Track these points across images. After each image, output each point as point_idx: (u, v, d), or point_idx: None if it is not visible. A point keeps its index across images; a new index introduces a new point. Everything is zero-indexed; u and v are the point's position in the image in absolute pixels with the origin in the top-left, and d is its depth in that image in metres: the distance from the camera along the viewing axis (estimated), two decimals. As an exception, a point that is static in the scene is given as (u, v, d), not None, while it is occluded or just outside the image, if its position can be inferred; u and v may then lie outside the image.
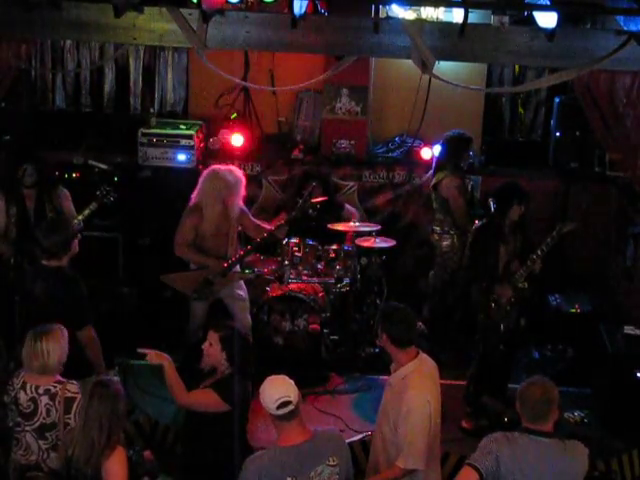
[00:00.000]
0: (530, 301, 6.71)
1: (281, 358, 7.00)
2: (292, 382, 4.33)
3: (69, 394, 4.81)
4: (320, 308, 7.22)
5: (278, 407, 4.19)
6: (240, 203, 6.85)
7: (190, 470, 5.18)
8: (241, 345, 5.09)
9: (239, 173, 6.84)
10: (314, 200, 7.14)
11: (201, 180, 6.81)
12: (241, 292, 7.02)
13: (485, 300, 6.57)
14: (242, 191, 6.82)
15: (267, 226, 6.97)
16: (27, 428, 4.84)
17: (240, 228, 7.01)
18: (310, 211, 7.04)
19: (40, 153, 7.20)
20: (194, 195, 6.81)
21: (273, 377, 4.34)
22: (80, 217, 6.69)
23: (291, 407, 4.21)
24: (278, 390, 4.23)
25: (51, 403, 4.79)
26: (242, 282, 7.09)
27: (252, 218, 7.04)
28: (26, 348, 4.87)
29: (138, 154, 8.47)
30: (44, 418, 4.80)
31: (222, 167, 6.90)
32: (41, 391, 4.81)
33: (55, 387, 4.82)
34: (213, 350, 5.08)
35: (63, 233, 5.76)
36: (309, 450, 4.25)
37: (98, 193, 6.85)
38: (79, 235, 5.99)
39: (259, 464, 4.23)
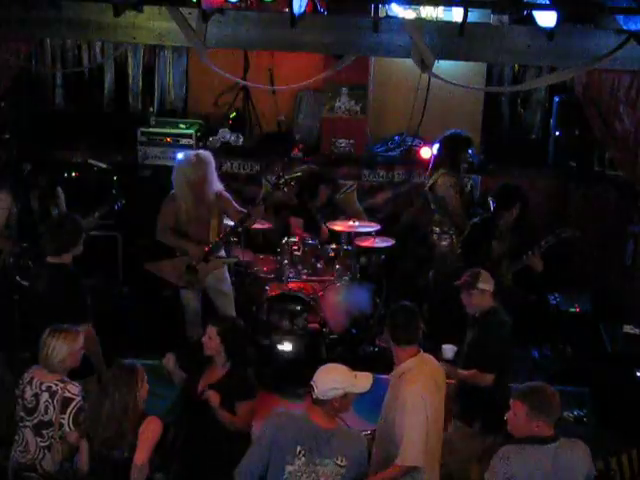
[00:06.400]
0: (516, 301, 6.68)
1: (280, 357, 6.99)
2: None
3: (68, 394, 4.82)
4: (320, 307, 7.21)
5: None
6: (214, 187, 6.69)
7: (191, 467, 5.19)
8: (241, 337, 5.23)
9: (204, 156, 6.67)
10: (293, 174, 7.07)
11: None
12: (225, 286, 6.95)
13: None
14: (211, 174, 6.65)
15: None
16: (27, 423, 4.86)
17: (224, 215, 6.88)
18: (284, 188, 6.91)
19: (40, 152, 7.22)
20: None
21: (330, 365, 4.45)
22: (97, 216, 6.72)
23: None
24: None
25: (50, 401, 4.81)
26: (227, 275, 6.98)
27: (234, 204, 6.81)
28: (40, 340, 4.92)
29: (138, 153, 8.49)
30: (42, 415, 4.82)
31: (187, 152, 6.83)
32: (44, 388, 4.84)
33: (56, 385, 4.83)
34: (212, 343, 5.15)
35: (70, 230, 5.79)
36: (326, 439, 4.30)
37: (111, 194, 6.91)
38: (84, 235, 5.97)
39: (280, 419, 4.38)
